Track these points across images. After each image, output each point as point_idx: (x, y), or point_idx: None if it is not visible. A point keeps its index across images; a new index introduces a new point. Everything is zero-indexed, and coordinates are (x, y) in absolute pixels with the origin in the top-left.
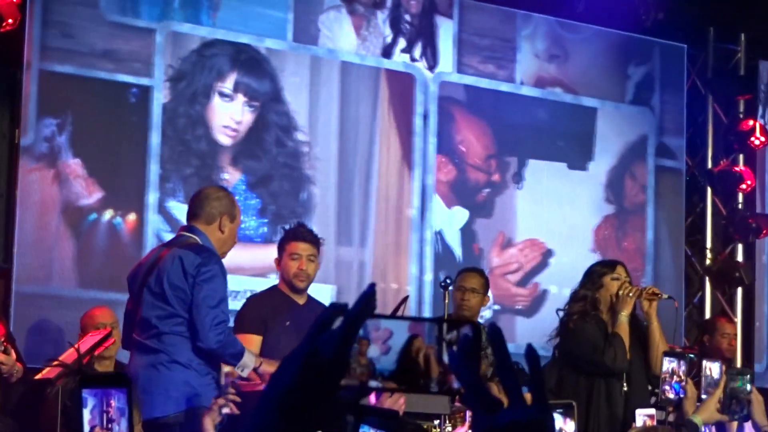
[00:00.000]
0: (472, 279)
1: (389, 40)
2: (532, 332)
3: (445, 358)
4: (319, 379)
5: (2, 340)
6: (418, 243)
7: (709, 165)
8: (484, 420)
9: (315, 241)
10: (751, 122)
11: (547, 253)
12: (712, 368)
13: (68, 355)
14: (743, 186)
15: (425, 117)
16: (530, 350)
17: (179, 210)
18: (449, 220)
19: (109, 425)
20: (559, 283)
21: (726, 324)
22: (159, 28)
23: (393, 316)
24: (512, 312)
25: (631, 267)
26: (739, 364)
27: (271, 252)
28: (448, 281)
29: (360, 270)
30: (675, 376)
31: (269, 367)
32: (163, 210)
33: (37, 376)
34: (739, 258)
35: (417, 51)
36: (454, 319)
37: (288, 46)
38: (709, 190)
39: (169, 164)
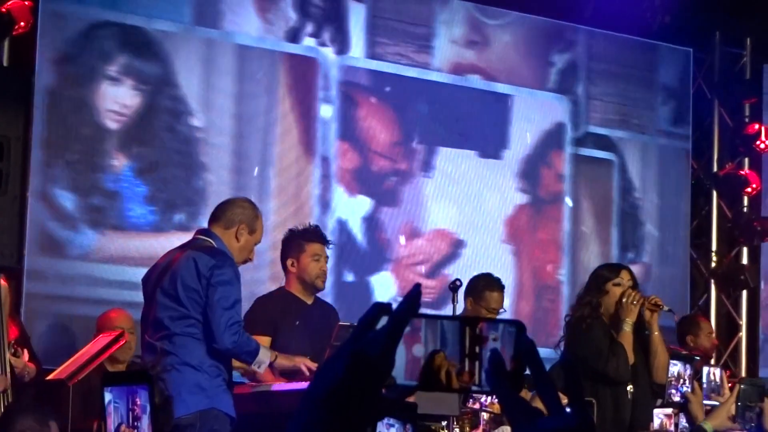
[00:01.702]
0: (501, 298)
1: (296, 23)
2: None
3: (482, 355)
4: (366, 377)
5: (12, 342)
6: None
7: (715, 168)
8: (524, 429)
9: (328, 242)
10: (756, 126)
11: (457, 244)
12: (715, 374)
13: (80, 356)
14: (748, 189)
15: (328, 102)
16: (566, 360)
17: (64, 198)
18: (352, 208)
19: (136, 423)
20: (470, 275)
21: (707, 322)
22: (43, 7)
23: (435, 315)
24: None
25: (546, 258)
26: (743, 368)
27: (160, 241)
28: (459, 283)
29: (258, 259)
30: (680, 379)
31: (284, 361)
32: (46, 197)
33: (49, 377)
34: (744, 261)
35: (326, 35)
36: (492, 318)
37: (182, 28)
38: (714, 193)
39: (51, 149)
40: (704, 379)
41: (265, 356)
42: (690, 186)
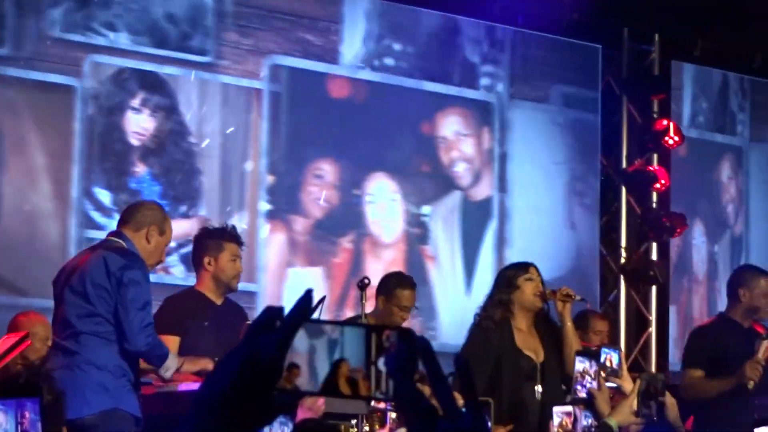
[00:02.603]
0: (412, 296)
1: None
2: None
3: (380, 365)
4: (256, 382)
5: None
6: None
7: (624, 164)
8: (420, 429)
9: (242, 243)
10: (665, 122)
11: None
12: (612, 357)
13: None
14: (657, 185)
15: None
16: (459, 359)
17: (102, 195)
18: None
19: None
20: None
21: (598, 321)
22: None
23: (328, 321)
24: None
25: None
26: (653, 364)
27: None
28: (366, 281)
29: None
30: (587, 376)
31: (191, 366)
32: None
33: None
34: (654, 257)
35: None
36: (387, 326)
37: (183, 72)
38: (623, 189)
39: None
40: (600, 363)
41: (172, 362)
42: (599, 182)
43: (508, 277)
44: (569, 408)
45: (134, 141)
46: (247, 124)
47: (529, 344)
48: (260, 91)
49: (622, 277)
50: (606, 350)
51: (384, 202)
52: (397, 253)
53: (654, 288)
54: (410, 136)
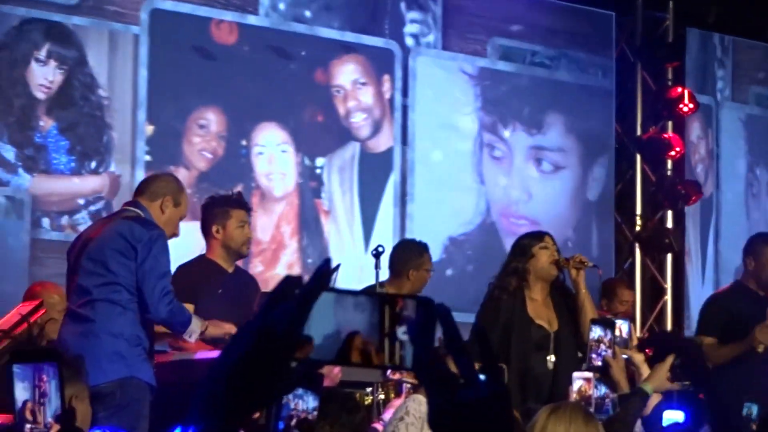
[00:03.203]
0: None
1: None
2: None
3: (399, 335)
4: (271, 352)
5: None
6: None
7: (639, 132)
8: (441, 398)
9: (250, 209)
10: (679, 89)
11: None
12: (623, 327)
13: None
14: (672, 153)
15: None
16: (476, 326)
17: (6, 150)
18: None
19: (42, 399)
20: None
21: (625, 291)
22: None
23: (343, 290)
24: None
25: None
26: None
27: (77, 183)
28: (381, 249)
29: None
30: (602, 344)
31: (216, 330)
32: None
33: None
34: (669, 225)
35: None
36: (400, 295)
37: (90, 22)
38: (638, 157)
39: None
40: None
41: (196, 326)
42: (613, 150)
43: (523, 245)
44: (589, 374)
45: (39, 94)
46: (127, 72)
47: (542, 314)
48: (138, 37)
49: (637, 245)
50: (616, 320)
51: (274, 153)
52: (289, 207)
53: (669, 256)
54: (303, 85)
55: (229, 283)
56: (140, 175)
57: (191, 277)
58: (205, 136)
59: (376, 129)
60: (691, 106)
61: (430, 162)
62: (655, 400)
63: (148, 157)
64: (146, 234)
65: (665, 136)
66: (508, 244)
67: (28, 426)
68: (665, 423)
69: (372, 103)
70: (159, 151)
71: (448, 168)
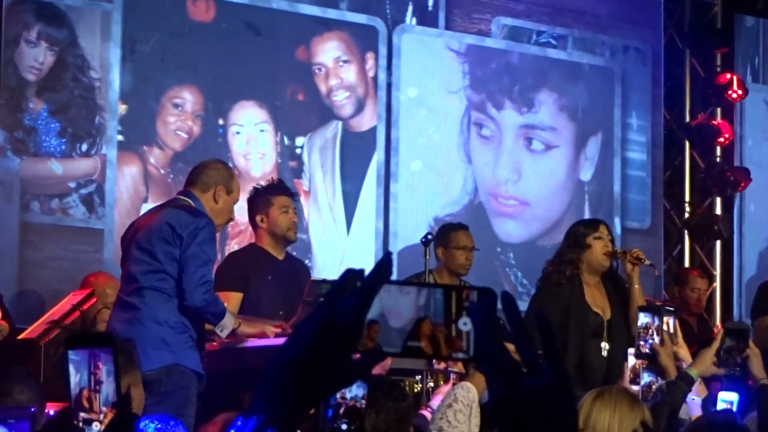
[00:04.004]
0: (469, 237)
1: None
2: None
3: (462, 325)
4: (334, 344)
5: None
6: None
7: (687, 119)
8: (505, 387)
9: (293, 194)
10: (728, 76)
11: None
12: (669, 322)
13: (51, 315)
14: (721, 139)
15: None
16: (539, 315)
17: None
18: None
19: (97, 387)
20: None
21: (697, 278)
22: None
23: (408, 282)
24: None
25: None
26: (718, 318)
27: (68, 165)
28: (430, 236)
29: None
30: (649, 331)
31: (248, 329)
32: None
33: (20, 336)
34: (718, 211)
35: None
36: (467, 286)
37: (83, 3)
38: (687, 143)
39: None
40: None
41: (229, 321)
42: (662, 136)
43: (578, 235)
44: None
45: (29, 75)
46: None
47: (598, 301)
48: (109, 14)
49: (686, 232)
50: (665, 315)
51: (252, 132)
52: None
53: (718, 242)
54: (283, 63)
55: (279, 270)
56: (113, 154)
57: (241, 266)
58: (180, 115)
59: (359, 107)
60: (740, 92)
61: (414, 141)
62: (703, 387)
63: (120, 137)
64: (193, 222)
65: (714, 122)
66: (495, 224)
67: (82, 414)
68: (718, 405)
69: (355, 81)
70: (132, 131)
71: (433, 147)
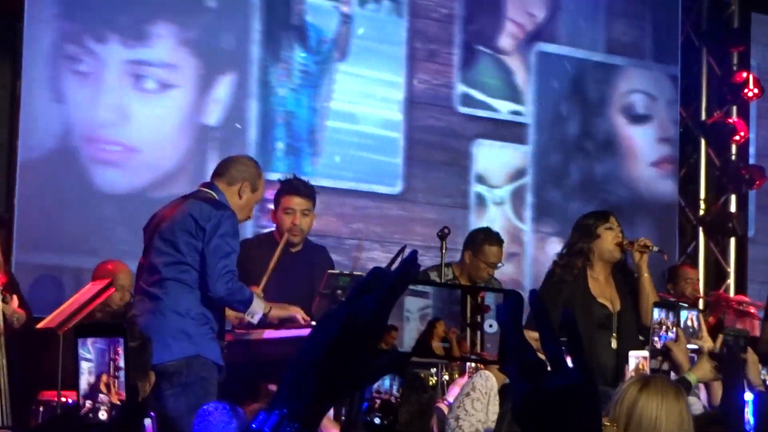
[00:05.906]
0: (501, 253)
1: None
2: None
3: (486, 327)
4: (356, 342)
5: (1, 288)
6: None
7: (703, 116)
8: (530, 386)
9: (310, 194)
10: (744, 74)
11: None
12: (693, 317)
13: (69, 305)
14: (737, 137)
15: None
16: (565, 313)
17: None
18: None
19: (116, 373)
20: None
21: (688, 269)
22: None
23: (426, 281)
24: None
25: None
26: None
27: None
28: (447, 231)
29: None
30: (664, 327)
31: (280, 312)
32: None
33: (39, 325)
34: (733, 209)
35: None
36: (482, 287)
37: None
38: (703, 141)
39: None
40: (682, 324)
41: (258, 307)
42: (678, 134)
43: (588, 225)
44: (645, 352)
45: None
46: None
47: (605, 293)
48: None
49: (700, 229)
50: (687, 311)
51: None
52: None
53: (733, 240)
54: None
55: (288, 262)
56: None
57: (255, 251)
58: None
59: None
60: (756, 90)
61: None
62: (717, 389)
63: None
64: (216, 214)
65: (730, 120)
66: (94, 173)
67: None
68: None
69: None
70: None
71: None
